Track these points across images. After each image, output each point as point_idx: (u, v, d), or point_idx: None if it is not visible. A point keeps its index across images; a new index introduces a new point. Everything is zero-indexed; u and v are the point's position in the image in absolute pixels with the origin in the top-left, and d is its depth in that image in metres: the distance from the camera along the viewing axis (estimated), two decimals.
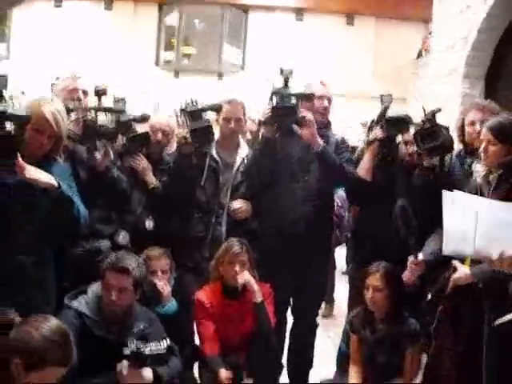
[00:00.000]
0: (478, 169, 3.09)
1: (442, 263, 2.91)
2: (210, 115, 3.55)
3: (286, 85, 3.30)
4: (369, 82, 11.19)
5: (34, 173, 2.46)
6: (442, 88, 6.35)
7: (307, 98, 3.38)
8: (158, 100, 8.95)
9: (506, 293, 2.59)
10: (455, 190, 2.67)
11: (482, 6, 5.55)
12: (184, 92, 7.93)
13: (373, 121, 3.69)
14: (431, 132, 3.28)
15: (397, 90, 10.57)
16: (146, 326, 2.95)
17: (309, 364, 3.81)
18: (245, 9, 11.95)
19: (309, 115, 3.34)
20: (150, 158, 3.54)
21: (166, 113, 3.80)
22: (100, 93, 3.08)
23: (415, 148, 3.43)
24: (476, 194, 2.91)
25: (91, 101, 3.22)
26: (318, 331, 3.89)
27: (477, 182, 2.96)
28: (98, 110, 3.08)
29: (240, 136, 3.82)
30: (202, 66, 11.76)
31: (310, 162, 3.53)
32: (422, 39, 10.87)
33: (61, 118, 2.60)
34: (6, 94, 2.58)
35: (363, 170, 3.56)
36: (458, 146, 3.63)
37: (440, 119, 3.39)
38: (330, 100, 3.74)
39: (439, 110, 3.37)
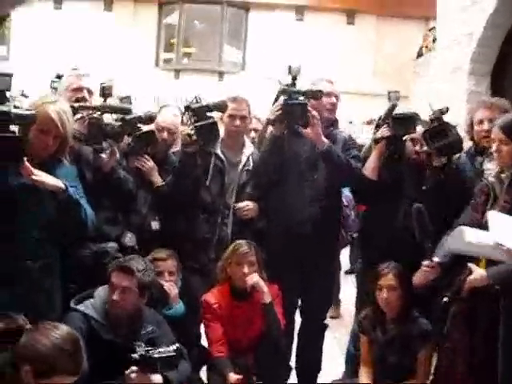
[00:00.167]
0: (490, 167, 3.06)
1: (457, 265, 2.87)
2: (215, 114, 3.50)
3: (293, 83, 3.25)
4: (370, 81, 11.18)
5: (40, 176, 2.42)
6: (445, 86, 6.31)
7: (316, 95, 3.33)
8: (158, 96, 8.92)
9: None
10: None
11: (488, 2, 5.50)
12: (184, 92, 7.91)
13: (380, 118, 3.64)
14: (440, 131, 3.25)
15: (398, 88, 10.57)
16: (154, 329, 2.92)
17: (317, 365, 3.77)
18: (245, 7, 11.92)
19: (314, 113, 3.30)
20: (156, 158, 3.48)
21: (169, 109, 3.72)
22: (106, 91, 3.02)
23: (424, 147, 3.38)
24: (488, 192, 2.88)
25: (96, 99, 3.16)
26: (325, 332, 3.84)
27: (489, 180, 2.92)
28: (104, 108, 3.02)
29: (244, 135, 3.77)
30: (203, 66, 11.72)
31: (317, 160, 3.49)
32: (423, 37, 10.84)
33: (66, 118, 2.55)
34: (9, 94, 2.54)
35: (369, 168, 3.51)
36: (467, 145, 3.58)
37: (446, 117, 3.36)
38: (337, 97, 3.71)
39: (447, 109, 3.33)
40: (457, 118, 3.77)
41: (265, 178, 3.52)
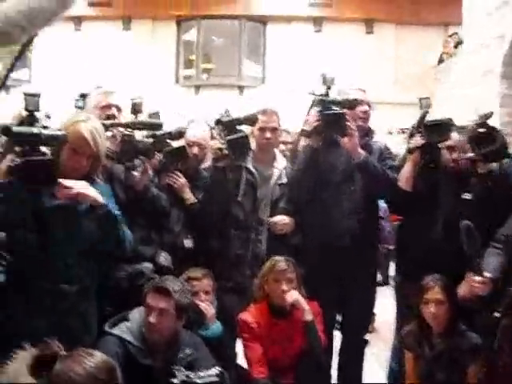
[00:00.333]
0: None
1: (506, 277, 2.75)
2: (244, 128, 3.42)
3: (327, 93, 3.17)
4: (390, 90, 11.07)
5: (82, 187, 2.35)
6: (474, 90, 6.17)
7: (352, 104, 3.24)
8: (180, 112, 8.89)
9: None
10: None
11: None
12: (205, 108, 7.87)
13: (413, 127, 3.53)
14: (487, 136, 3.13)
15: (419, 95, 10.51)
16: (192, 352, 2.81)
17: (358, 383, 3.66)
18: (263, 21, 11.91)
19: (351, 123, 3.20)
20: (186, 174, 3.41)
21: (197, 124, 3.65)
22: (137, 107, 2.95)
23: (470, 153, 3.28)
24: None
25: (125, 117, 3.09)
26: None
27: None
28: (136, 125, 2.94)
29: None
30: (223, 81, 11.72)
31: (354, 172, 3.42)
32: (443, 43, 10.73)
33: (99, 136, 2.47)
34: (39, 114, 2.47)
35: (404, 179, 3.42)
36: None
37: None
38: (369, 105, 3.61)
39: (491, 113, 3.22)
40: (490, 123, 3.67)
41: (300, 191, 3.43)
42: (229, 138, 3.17)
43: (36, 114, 2.43)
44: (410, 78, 11.06)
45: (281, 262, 3.19)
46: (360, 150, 3.30)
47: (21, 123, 2.43)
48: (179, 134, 3.28)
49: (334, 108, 3.20)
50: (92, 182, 2.52)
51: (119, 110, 3.13)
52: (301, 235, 3.51)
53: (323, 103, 3.20)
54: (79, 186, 2.35)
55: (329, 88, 3.23)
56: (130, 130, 2.90)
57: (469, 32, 6.52)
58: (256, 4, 11.81)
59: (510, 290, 2.73)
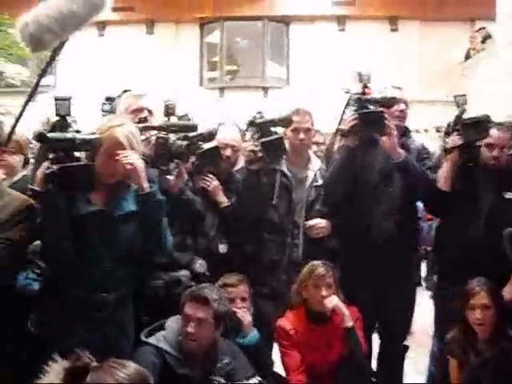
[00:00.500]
0: None
1: None
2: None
3: (364, 91, 3.07)
4: (416, 87, 10.92)
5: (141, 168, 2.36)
6: (507, 85, 6.01)
7: (390, 103, 3.14)
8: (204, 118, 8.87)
9: None
10: None
11: None
12: (229, 109, 7.81)
13: (449, 125, 3.42)
14: None
15: (445, 93, 10.36)
16: (230, 361, 2.74)
17: None
18: (286, 21, 11.84)
19: (391, 123, 3.10)
20: (219, 177, 3.34)
21: (227, 126, 3.58)
22: (170, 110, 2.88)
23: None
24: None
25: (156, 119, 3.02)
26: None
27: None
28: (170, 127, 2.86)
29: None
30: (247, 83, 11.69)
31: (392, 172, 3.31)
32: (470, 38, 10.55)
33: (135, 141, 2.41)
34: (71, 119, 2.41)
35: (442, 179, 3.32)
36: None
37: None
38: (406, 104, 3.50)
39: None
40: None
41: (336, 193, 3.34)
42: (263, 140, 3.08)
43: (68, 118, 2.38)
44: (435, 74, 10.93)
45: (320, 266, 3.12)
46: (400, 150, 3.21)
47: (52, 129, 2.37)
48: (211, 136, 3.18)
49: (370, 107, 3.10)
50: (127, 187, 2.46)
51: (151, 112, 3.06)
52: (337, 238, 3.42)
53: (360, 102, 3.12)
54: (139, 165, 2.33)
55: (365, 86, 3.13)
56: (163, 132, 2.82)
57: (500, 27, 6.36)
58: (279, 4, 11.76)
59: None
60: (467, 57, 10.25)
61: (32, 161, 3.63)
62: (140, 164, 2.38)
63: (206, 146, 3.12)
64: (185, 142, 2.83)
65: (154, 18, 11.81)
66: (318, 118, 3.84)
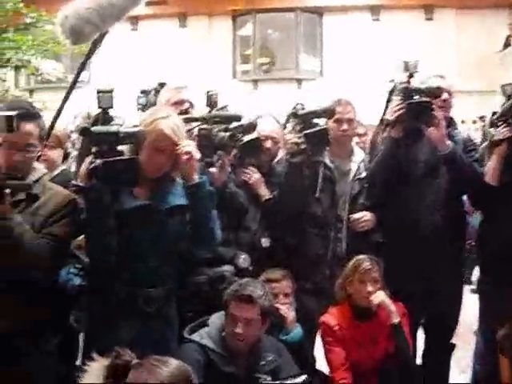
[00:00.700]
0: None
1: None
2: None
3: (409, 81, 2.98)
4: (453, 77, 10.65)
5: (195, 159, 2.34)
6: None
7: (437, 93, 3.03)
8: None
9: None
10: None
11: None
12: (263, 102, 7.72)
13: (494, 116, 3.28)
14: None
15: (483, 83, 10.11)
16: (275, 358, 2.68)
17: None
18: (318, 12, 11.71)
19: (438, 113, 3.00)
20: (260, 170, 3.27)
21: (266, 117, 3.50)
22: (213, 100, 2.81)
23: None
24: None
25: (198, 111, 2.96)
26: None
27: None
28: (214, 118, 2.79)
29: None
30: (280, 75, 11.61)
31: (438, 164, 3.21)
32: (509, 26, 10.27)
33: (181, 133, 2.35)
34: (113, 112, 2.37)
35: (490, 173, 3.20)
36: None
37: None
38: (450, 93, 3.38)
39: None
40: None
41: (381, 185, 3.25)
42: (307, 131, 3.00)
43: (110, 111, 2.34)
44: (472, 65, 10.67)
45: (365, 261, 3.05)
46: (447, 141, 3.10)
47: (95, 122, 2.33)
48: (251, 127, 3.10)
49: (416, 97, 3.00)
50: (172, 180, 2.41)
51: (191, 105, 3.00)
52: (382, 232, 3.34)
53: (406, 91, 3.01)
54: (196, 155, 2.31)
55: (411, 76, 3.03)
56: (206, 124, 2.76)
57: None
58: None
59: None
60: (506, 45, 9.98)
61: (72, 154, 3.64)
62: (196, 153, 2.33)
63: (247, 137, 3.05)
64: (227, 134, 2.76)
65: (186, 12, 11.79)
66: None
